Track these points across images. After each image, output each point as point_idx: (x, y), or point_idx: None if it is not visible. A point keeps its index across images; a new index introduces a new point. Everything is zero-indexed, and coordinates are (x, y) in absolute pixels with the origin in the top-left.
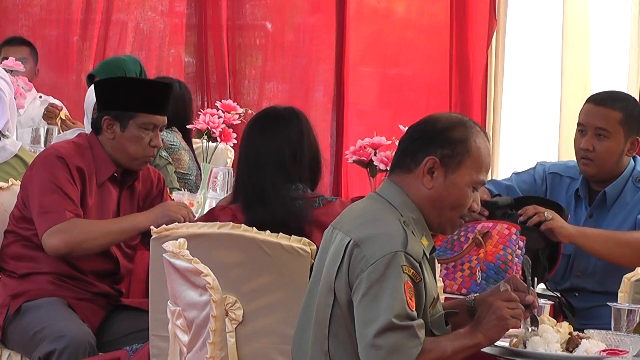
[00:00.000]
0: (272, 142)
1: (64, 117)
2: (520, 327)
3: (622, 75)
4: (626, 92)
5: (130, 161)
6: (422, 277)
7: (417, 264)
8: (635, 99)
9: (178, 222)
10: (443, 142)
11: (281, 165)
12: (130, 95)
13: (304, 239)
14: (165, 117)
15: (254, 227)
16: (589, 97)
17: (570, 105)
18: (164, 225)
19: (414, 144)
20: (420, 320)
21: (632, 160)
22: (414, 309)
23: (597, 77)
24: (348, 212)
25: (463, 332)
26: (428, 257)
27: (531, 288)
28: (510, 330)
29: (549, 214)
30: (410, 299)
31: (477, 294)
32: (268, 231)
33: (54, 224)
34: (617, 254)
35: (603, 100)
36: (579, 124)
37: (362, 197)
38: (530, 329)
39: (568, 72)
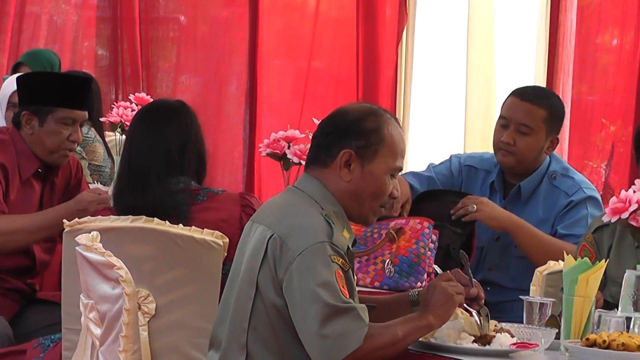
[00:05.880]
0: (160, 133)
1: None
2: (464, 304)
3: (527, 70)
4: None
5: (49, 155)
6: (350, 265)
7: (344, 254)
8: (559, 97)
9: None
10: (356, 133)
11: (168, 156)
12: (48, 90)
13: (217, 232)
14: (86, 113)
15: (128, 214)
16: (514, 91)
17: (475, 100)
18: (76, 219)
19: (328, 139)
20: (363, 305)
21: (548, 157)
22: (348, 297)
23: (501, 72)
24: (268, 206)
25: (412, 316)
26: (351, 249)
27: (474, 280)
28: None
29: (473, 207)
30: (343, 287)
31: (421, 289)
32: (181, 225)
33: None
34: (541, 258)
35: (529, 96)
36: (501, 117)
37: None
38: (481, 321)
39: (473, 67)
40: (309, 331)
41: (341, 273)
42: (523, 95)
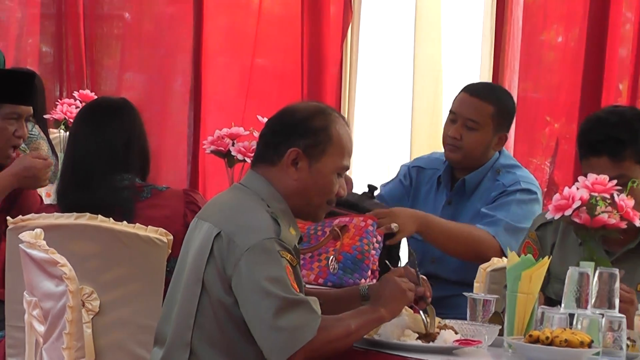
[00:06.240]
0: (103, 130)
1: None
2: (412, 299)
3: (474, 67)
4: None
5: None
6: (298, 261)
7: (291, 250)
8: (510, 94)
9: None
10: (304, 132)
11: (113, 153)
12: None
13: (161, 229)
14: (31, 108)
15: (73, 212)
16: (465, 86)
17: (422, 97)
18: (20, 216)
19: (275, 137)
20: (314, 298)
21: (497, 153)
22: (298, 292)
23: (448, 69)
24: (214, 203)
25: (364, 309)
26: (297, 246)
27: (422, 278)
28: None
29: (396, 225)
30: (293, 281)
31: (372, 283)
32: (125, 222)
33: None
34: (451, 248)
35: (478, 92)
36: (450, 112)
37: (190, 191)
38: (427, 320)
39: (420, 64)
40: (262, 325)
41: (290, 268)
42: (472, 91)
